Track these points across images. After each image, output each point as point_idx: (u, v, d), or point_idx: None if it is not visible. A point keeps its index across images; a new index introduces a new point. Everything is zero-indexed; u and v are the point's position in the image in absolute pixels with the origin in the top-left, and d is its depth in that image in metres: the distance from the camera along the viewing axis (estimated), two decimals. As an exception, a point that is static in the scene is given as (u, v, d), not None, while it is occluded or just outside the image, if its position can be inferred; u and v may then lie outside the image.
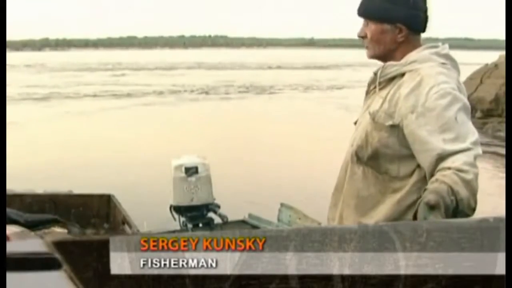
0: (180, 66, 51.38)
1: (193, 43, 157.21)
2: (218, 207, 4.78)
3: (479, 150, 2.20)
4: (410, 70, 2.36)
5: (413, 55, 2.39)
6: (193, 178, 4.64)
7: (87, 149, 12.61)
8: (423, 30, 2.47)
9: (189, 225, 4.72)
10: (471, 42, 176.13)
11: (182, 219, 4.76)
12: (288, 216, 4.74)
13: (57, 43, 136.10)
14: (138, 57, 66.26)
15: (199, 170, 4.67)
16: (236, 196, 7.59)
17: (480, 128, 16.53)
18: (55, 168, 10.43)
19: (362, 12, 2.50)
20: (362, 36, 2.52)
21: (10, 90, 24.11)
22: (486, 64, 19.81)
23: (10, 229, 3.02)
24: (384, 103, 2.37)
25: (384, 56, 2.46)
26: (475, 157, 2.17)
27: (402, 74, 2.39)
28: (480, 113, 17.72)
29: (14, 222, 3.14)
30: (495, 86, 17.65)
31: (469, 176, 2.16)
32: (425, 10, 2.44)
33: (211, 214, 4.81)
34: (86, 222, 3.53)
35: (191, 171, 4.64)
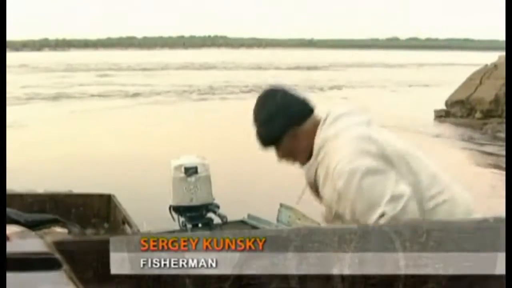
0: (179, 66, 51.40)
1: (192, 43, 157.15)
2: (218, 207, 4.78)
3: (398, 205, 2.18)
4: (319, 162, 2.43)
5: (315, 145, 2.46)
6: (192, 178, 4.64)
7: (86, 149, 12.62)
8: (311, 111, 2.55)
9: (189, 225, 4.72)
10: (470, 42, 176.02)
11: (182, 219, 4.76)
12: (287, 217, 4.74)
13: (57, 44, 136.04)
14: (138, 57, 66.19)
15: (199, 170, 4.67)
16: (235, 197, 7.60)
17: (479, 128, 16.55)
18: (56, 167, 10.45)
19: (263, 144, 2.61)
20: (281, 159, 2.64)
21: (13, 91, 24.15)
22: (486, 65, 19.81)
23: (10, 229, 3.01)
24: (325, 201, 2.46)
25: (309, 156, 2.50)
26: (393, 216, 2.16)
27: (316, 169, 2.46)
28: (480, 114, 17.72)
29: (14, 221, 3.14)
30: (495, 86, 17.65)
31: None
32: (297, 98, 2.54)
33: (210, 214, 4.80)
34: (86, 222, 3.53)
35: (190, 171, 4.64)
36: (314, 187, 2.53)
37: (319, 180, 2.44)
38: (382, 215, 2.17)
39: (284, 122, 2.49)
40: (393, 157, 2.34)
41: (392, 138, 2.51)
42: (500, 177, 9.90)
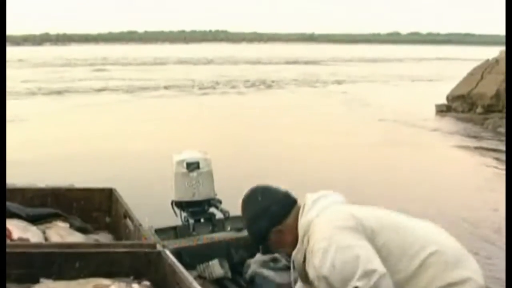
0: (180, 61, 51.36)
1: (193, 38, 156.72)
2: (220, 202, 4.77)
3: (370, 280, 2.26)
4: (306, 246, 2.55)
5: (300, 232, 2.58)
6: (194, 174, 4.63)
7: (88, 143, 12.62)
8: (293, 204, 2.70)
9: (191, 221, 4.72)
10: (471, 37, 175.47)
11: (184, 214, 4.76)
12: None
13: (58, 38, 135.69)
14: (139, 51, 66.14)
15: (201, 165, 4.66)
16: (237, 191, 7.56)
17: (481, 124, 16.52)
18: (57, 161, 10.45)
19: (253, 242, 2.86)
20: (273, 250, 2.88)
21: (14, 85, 24.16)
22: (487, 60, 19.77)
23: (12, 223, 3.02)
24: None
25: (296, 244, 2.63)
26: None
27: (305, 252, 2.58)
28: (481, 109, 17.69)
29: (16, 216, 3.15)
30: (496, 81, 17.60)
31: None
32: (277, 196, 2.72)
33: (212, 209, 4.81)
34: (87, 216, 3.53)
35: (192, 166, 4.64)
36: (304, 273, 2.62)
37: (307, 263, 2.56)
38: None
39: (266, 223, 2.65)
40: (373, 226, 2.47)
41: (367, 209, 2.64)
42: (501, 172, 9.91)
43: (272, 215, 2.65)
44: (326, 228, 2.47)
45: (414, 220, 2.64)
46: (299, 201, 2.72)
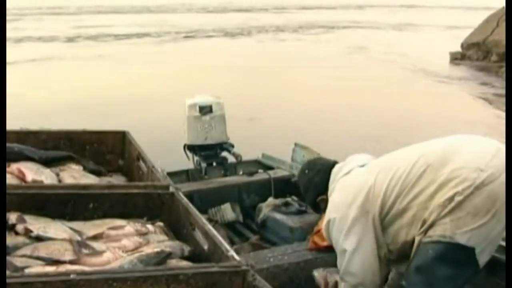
0: (194, 7, 50.83)
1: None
2: (232, 146, 4.77)
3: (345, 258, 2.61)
4: None
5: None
6: (207, 117, 4.62)
7: (102, 88, 12.59)
8: (331, 170, 2.85)
9: (203, 164, 4.73)
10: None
11: (196, 158, 4.77)
12: (302, 156, 4.70)
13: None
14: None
15: (213, 109, 4.65)
16: (250, 136, 7.55)
17: (495, 72, 16.27)
18: (71, 105, 10.46)
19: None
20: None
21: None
22: (503, 7, 19.33)
23: (26, 166, 3.03)
24: None
25: None
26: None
27: None
28: (496, 57, 17.37)
29: (29, 159, 3.15)
30: (511, 29, 17.22)
31: None
32: (317, 169, 2.91)
33: (225, 153, 4.81)
34: (101, 159, 3.53)
35: (205, 110, 4.62)
36: None
37: None
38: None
39: (312, 194, 2.92)
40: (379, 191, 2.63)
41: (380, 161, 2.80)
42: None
43: (315, 186, 2.88)
44: (337, 200, 2.71)
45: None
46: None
